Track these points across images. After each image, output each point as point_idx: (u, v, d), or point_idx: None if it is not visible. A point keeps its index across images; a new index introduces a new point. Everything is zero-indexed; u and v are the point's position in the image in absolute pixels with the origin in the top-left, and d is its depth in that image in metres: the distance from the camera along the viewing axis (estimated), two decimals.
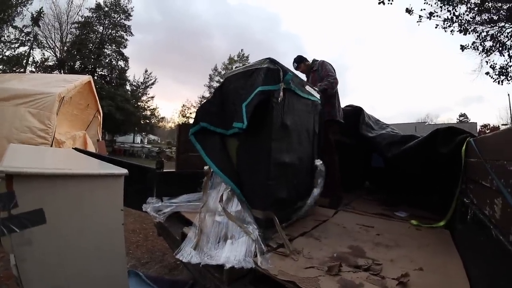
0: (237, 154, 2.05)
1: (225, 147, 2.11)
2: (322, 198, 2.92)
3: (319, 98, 2.64)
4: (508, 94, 25.25)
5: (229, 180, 1.89)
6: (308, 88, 2.38)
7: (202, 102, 2.60)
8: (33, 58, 21.93)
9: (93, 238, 1.47)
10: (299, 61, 3.40)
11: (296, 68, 3.40)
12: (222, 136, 2.11)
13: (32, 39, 21.23)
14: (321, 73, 3.15)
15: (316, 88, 2.69)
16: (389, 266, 1.53)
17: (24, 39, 21.00)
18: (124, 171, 1.59)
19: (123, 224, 1.61)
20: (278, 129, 1.91)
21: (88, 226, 1.45)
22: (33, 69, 21.50)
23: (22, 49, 21.11)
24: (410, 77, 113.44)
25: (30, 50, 21.41)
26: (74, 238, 1.40)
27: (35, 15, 20.77)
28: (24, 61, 21.04)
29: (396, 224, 2.48)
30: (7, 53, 20.19)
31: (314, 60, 3.37)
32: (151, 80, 28.01)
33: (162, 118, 32.42)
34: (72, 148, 3.68)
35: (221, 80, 2.20)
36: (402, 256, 1.69)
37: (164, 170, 2.77)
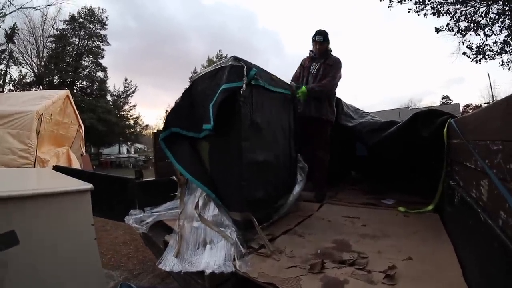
0: (209, 156, 2.01)
1: (196, 151, 2.06)
2: (308, 193, 2.91)
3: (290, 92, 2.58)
4: (488, 74, 25.88)
5: (202, 186, 1.84)
6: (279, 81, 2.33)
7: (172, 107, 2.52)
8: (10, 76, 21.40)
9: (67, 255, 1.48)
10: (326, 38, 3.00)
11: (319, 41, 2.98)
12: (194, 140, 2.05)
13: (7, 56, 20.61)
14: (331, 71, 2.92)
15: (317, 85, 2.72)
16: (376, 258, 1.50)
17: None
18: (89, 186, 1.58)
19: (95, 238, 1.60)
20: (248, 127, 1.86)
21: (61, 243, 1.46)
22: (12, 87, 21.02)
23: None
24: (391, 64, 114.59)
25: (6, 68, 20.80)
26: (48, 256, 1.42)
27: (8, 32, 20.14)
28: (1, 80, 20.48)
29: (383, 212, 2.46)
30: None
31: (330, 50, 3.09)
32: (131, 88, 27.80)
33: (146, 126, 31.99)
34: (53, 166, 3.59)
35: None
36: (390, 246, 1.66)
37: (144, 180, 2.72)
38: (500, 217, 0.91)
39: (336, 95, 3.41)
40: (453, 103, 37.23)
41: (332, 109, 3.04)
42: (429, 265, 1.38)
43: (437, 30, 10.26)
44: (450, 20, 9.97)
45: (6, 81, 20.88)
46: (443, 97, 49.53)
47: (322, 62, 3.00)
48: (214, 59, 29.26)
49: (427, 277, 1.27)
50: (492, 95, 27.08)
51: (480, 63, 10.24)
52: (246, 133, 1.84)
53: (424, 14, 9.94)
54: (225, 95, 1.71)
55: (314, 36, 3.02)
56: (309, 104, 2.88)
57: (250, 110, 1.89)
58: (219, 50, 30.70)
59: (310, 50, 3.16)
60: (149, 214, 2.29)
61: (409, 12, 10.01)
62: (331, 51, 3.08)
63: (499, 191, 0.91)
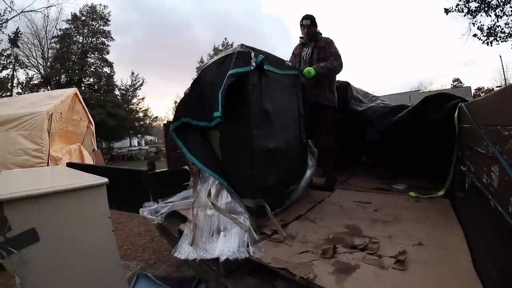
0: (220, 145, 2.02)
1: (207, 140, 2.07)
2: (320, 178, 2.93)
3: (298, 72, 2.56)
4: (500, 56, 25.13)
5: (214, 174, 1.86)
6: (287, 65, 2.31)
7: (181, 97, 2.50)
8: (18, 79, 21.78)
9: (86, 249, 1.51)
10: (314, 22, 2.96)
11: (307, 25, 2.94)
12: (204, 129, 2.06)
13: (13, 60, 20.90)
14: (327, 52, 2.85)
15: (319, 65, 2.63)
16: (387, 243, 1.51)
17: (5, 62, 20.65)
18: (105, 180, 1.60)
19: (112, 231, 1.62)
20: (258, 115, 1.86)
21: (79, 237, 1.50)
22: (20, 90, 21.34)
23: (5, 73, 20.92)
24: (401, 47, 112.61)
25: (13, 72, 21.14)
26: (68, 251, 1.45)
27: (12, 37, 20.34)
28: (9, 84, 20.81)
29: (394, 197, 2.45)
30: None
31: (319, 33, 3.03)
32: (139, 81, 27.86)
33: (156, 117, 32.34)
34: (67, 163, 3.67)
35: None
36: (401, 231, 1.67)
37: (157, 171, 2.76)
38: (510, 204, 0.89)
39: (346, 80, 3.34)
40: (464, 86, 36.52)
41: (333, 94, 2.95)
42: (439, 251, 1.39)
43: (447, 11, 10.00)
44: (459, 0, 9.69)
45: (14, 84, 21.28)
46: (454, 80, 48.65)
47: (313, 46, 2.94)
48: (220, 48, 28.98)
49: (436, 263, 1.28)
50: (505, 78, 26.40)
51: (491, 45, 9.97)
52: (256, 120, 1.84)
53: None
54: (232, 80, 1.70)
55: (301, 21, 2.98)
56: (309, 91, 2.80)
57: (260, 97, 1.88)
58: (225, 38, 30.59)
59: (300, 37, 3.12)
60: (163, 204, 2.33)
61: None
62: (321, 34, 3.01)
63: (510, 178, 0.90)
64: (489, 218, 1.09)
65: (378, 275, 1.21)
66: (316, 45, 2.92)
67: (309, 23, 2.94)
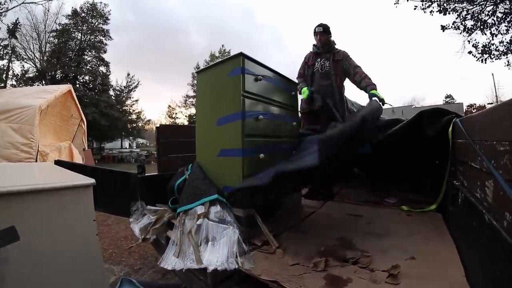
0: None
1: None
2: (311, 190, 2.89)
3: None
4: (492, 74, 25.69)
5: (201, 201, 1.82)
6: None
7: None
8: (13, 71, 21.47)
9: (68, 251, 1.46)
10: (327, 30, 2.97)
11: (319, 32, 2.95)
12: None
13: (10, 51, 20.66)
14: (349, 68, 2.86)
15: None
16: (380, 257, 1.49)
17: (1, 52, 20.40)
18: (92, 181, 1.55)
19: (97, 234, 1.58)
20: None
21: (62, 239, 1.45)
22: (14, 83, 21.05)
23: (0, 63, 20.66)
24: (394, 62, 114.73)
25: (9, 63, 20.87)
26: (49, 252, 1.40)
27: (11, 27, 20.15)
28: (4, 75, 20.51)
29: (386, 211, 2.44)
30: None
31: (334, 42, 3.03)
32: (134, 83, 27.92)
33: (149, 120, 32.10)
34: (55, 160, 3.58)
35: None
36: (393, 245, 1.65)
37: (147, 174, 2.71)
38: (505, 219, 0.90)
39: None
40: (456, 102, 37.24)
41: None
42: (431, 265, 1.38)
43: (443, 28, 10.21)
44: (456, 18, 9.93)
45: (9, 76, 20.96)
46: (447, 96, 49.76)
47: (329, 58, 2.94)
48: (217, 54, 29.15)
49: (430, 277, 1.26)
50: (496, 96, 26.98)
51: (485, 63, 10.20)
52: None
53: (430, 12, 9.92)
54: None
55: (315, 28, 2.99)
56: (328, 103, 2.84)
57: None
58: (222, 45, 30.67)
59: (313, 45, 3.10)
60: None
61: (415, 9, 9.99)
62: (335, 44, 3.02)
63: (504, 192, 0.91)
64: (483, 232, 1.09)
65: None
66: (334, 59, 2.93)
67: (321, 30, 2.95)
